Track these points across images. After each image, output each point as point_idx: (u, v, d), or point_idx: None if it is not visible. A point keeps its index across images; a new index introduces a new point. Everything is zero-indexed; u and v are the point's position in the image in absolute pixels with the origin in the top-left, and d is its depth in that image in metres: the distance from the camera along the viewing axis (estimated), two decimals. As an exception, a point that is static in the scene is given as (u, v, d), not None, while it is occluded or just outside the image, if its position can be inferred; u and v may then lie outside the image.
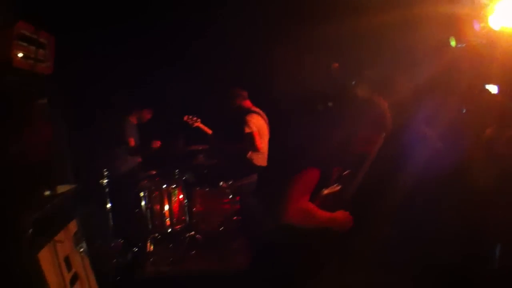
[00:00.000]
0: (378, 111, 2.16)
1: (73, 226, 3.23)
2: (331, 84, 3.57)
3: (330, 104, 2.45)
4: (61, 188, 3.01)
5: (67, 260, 2.94)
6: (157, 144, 5.24)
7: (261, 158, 5.03)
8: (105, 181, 4.26)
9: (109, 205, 4.32)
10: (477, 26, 3.38)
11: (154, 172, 5.08)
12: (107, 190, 4.29)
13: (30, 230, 2.44)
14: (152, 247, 4.58)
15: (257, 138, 4.86)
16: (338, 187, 2.19)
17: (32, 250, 2.46)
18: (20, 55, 2.48)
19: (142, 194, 4.70)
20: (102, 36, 4.82)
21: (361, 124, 2.16)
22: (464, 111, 3.63)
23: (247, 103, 5.06)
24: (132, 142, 5.16)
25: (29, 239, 2.43)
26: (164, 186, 4.73)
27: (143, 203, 4.70)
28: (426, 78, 3.43)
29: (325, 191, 2.15)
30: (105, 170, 4.25)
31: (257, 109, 5.07)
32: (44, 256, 2.58)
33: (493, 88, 3.59)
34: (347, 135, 2.16)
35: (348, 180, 2.20)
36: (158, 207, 4.71)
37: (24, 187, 2.48)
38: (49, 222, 2.75)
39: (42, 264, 2.50)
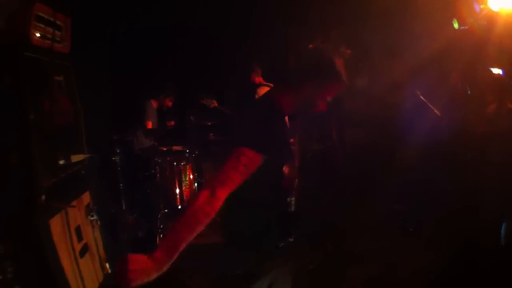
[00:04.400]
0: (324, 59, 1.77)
1: (86, 198, 3.28)
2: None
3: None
4: (75, 158, 3.06)
5: (78, 231, 2.99)
6: (171, 123, 5.34)
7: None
8: (118, 159, 4.30)
9: (121, 182, 4.36)
10: (477, 8, 3.38)
11: (165, 149, 5.13)
12: (119, 168, 4.34)
13: (43, 197, 2.50)
14: (162, 223, 4.62)
15: None
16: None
17: (44, 216, 2.51)
18: (38, 35, 2.63)
19: (153, 172, 4.74)
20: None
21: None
22: (469, 92, 3.73)
23: (259, 79, 5.10)
24: (150, 124, 5.25)
25: (42, 206, 2.49)
26: (175, 163, 4.76)
27: (154, 181, 4.75)
28: (424, 56, 3.61)
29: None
30: (117, 148, 4.29)
31: (268, 84, 5.07)
32: (55, 224, 2.64)
33: (496, 70, 3.66)
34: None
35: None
36: (168, 185, 4.76)
37: (40, 154, 2.53)
38: (62, 190, 2.80)
39: (52, 232, 2.55)
